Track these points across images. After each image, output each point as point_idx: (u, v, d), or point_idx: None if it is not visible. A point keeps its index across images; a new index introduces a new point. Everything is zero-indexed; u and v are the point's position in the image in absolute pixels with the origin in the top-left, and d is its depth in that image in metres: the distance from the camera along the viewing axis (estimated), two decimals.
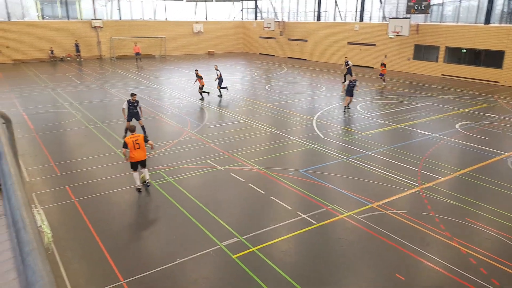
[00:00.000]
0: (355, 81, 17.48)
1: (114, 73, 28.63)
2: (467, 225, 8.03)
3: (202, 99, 19.47)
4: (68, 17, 36.24)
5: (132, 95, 12.89)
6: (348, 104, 17.48)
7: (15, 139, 4.50)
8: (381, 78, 23.86)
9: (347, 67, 23.39)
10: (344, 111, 17.23)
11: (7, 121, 3.95)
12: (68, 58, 35.56)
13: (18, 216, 1.42)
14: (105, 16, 38.43)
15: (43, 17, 36.60)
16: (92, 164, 11.17)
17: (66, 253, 6.98)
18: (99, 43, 36.95)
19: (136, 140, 9.19)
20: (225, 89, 20.80)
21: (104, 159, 11.51)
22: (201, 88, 19.39)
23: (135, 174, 9.40)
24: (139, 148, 9.19)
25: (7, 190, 1.70)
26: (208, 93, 19.86)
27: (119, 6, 38.35)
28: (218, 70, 20.16)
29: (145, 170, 9.57)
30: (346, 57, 25.36)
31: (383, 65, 23.88)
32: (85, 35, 36.25)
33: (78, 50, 35.44)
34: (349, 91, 17.22)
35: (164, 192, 9.33)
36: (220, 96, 20.39)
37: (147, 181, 9.57)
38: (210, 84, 21.39)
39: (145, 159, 9.44)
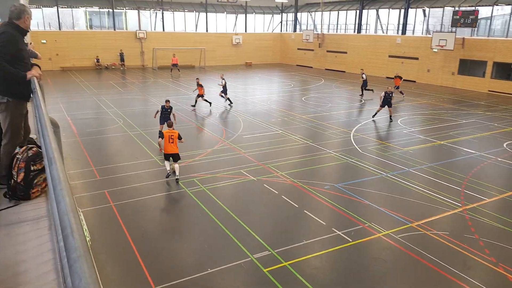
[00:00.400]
0: (391, 92, 17.71)
1: (156, 82, 29.56)
2: None
3: (193, 105, 19.84)
4: (114, 27, 37.93)
5: (166, 101, 13.76)
6: (391, 116, 17.84)
7: (61, 144, 4.74)
8: (397, 90, 23.21)
9: (363, 79, 23.74)
10: (374, 118, 18.00)
11: (56, 127, 4.16)
12: (113, 67, 37.11)
13: (67, 221, 1.44)
14: (149, 28, 39.92)
15: (91, 27, 38.52)
16: (131, 169, 11.48)
17: (101, 256, 7.15)
18: (142, 53, 38.36)
19: (171, 135, 10.38)
20: (228, 100, 20.66)
21: (142, 165, 11.81)
22: (200, 96, 19.68)
23: (166, 162, 10.62)
24: (172, 142, 10.35)
25: (56, 195, 1.73)
26: (210, 103, 19.95)
27: (162, 18, 39.73)
28: (223, 79, 20.54)
29: (177, 166, 10.56)
30: (362, 69, 25.24)
31: (399, 77, 24.00)
32: (130, 45, 37.77)
33: (122, 59, 36.94)
34: (386, 102, 17.53)
35: (198, 200, 9.41)
36: (230, 103, 20.61)
37: (176, 177, 10.42)
38: (235, 95, 21.54)
39: (177, 154, 10.54)
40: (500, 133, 16.05)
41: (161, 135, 10.58)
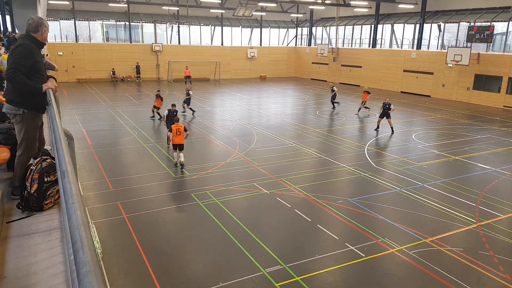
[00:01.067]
0: (389, 104, 18.08)
1: (170, 94, 29.97)
2: None
3: (153, 117, 20.30)
4: (130, 40, 38.78)
5: (172, 105, 15.72)
6: (391, 127, 18.21)
7: (75, 156, 4.78)
8: (363, 105, 22.96)
9: (332, 93, 24.45)
10: (376, 130, 18.46)
11: (70, 139, 4.17)
12: (128, 79, 37.84)
13: (77, 236, 1.43)
14: (165, 41, 40.70)
15: (107, 39, 39.43)
16: (144, 181, 11.61)
17: (112, 268, 7.20)
18: (158, 66, 39.07)
19: (178, 128, 12.47)
20: (191, 110, 21.40)
21: (155, 177, 11.93)
22: (156, 108, 20.07)
23: (175, 153, 12.74)
24: (179, 134, 12.46)
25: (68, 209, 1.74)
26: (193, 111, 21.13)
27: (178, 32, 40.50)
28: (189, 90, 21.57)
29: (182, 154, 12.52)
30: (332, 82, 26.11)
31: (367, 92, 23.16)
32: (146, 58, 38.53)
33: (138, 72, 37.67)
34: (384, 114, 18.03)
35: (210, 213, 9.46)
36: (185, 112, 21.37)
37: (182, 163, 12.43)
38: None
39: (182, 144, 12.54)
40: None
41: (168, 126, 13.89)
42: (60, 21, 36.12)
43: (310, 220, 9.18)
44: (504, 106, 26.23)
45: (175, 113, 15.06)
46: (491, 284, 6.85)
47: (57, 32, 36.16)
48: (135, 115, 21.29)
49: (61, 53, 34.69)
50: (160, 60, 39.04)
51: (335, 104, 24.91)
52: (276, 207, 9.92)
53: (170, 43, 40.67)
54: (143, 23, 39.71)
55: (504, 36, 27.94)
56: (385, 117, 18.01)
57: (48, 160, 3.45)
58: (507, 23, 27.07)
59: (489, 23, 26.96)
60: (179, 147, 12.58)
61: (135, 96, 28.35)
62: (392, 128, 18.11)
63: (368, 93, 23.53)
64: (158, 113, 20.02)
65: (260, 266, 7.24)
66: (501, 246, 8.15)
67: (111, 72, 37.02)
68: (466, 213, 9.69)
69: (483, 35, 26.22)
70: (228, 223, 8.94)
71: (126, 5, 35.96)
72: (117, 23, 38.56)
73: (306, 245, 8.11)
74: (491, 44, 27.38)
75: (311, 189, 11.12)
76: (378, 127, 18.52)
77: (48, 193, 3.37)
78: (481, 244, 8.21)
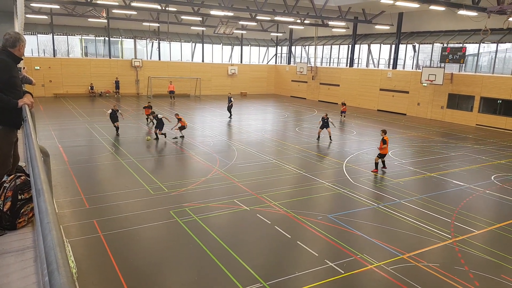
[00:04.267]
0: (327, 118, 20.23)
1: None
2: (503, 283, 7.52)
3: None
4: (110, 55, 38.53)
5: (115, 106, 19.73)
6: (330, 136, 20.37)
7: (51, 173, 4.64)
8: (341, 115, 27.71)
9: (230, 103, 26.70)
10: (318, 139, 20.34)
11: (46, 156, 4.04)
12: (107, 94, 37.44)
13: (53, 256, 1.39)
14: (145, 56, 40.63)
15: (86, 54, 39.03)
16: (121, 198, 11.38)
17: None
18: (137, 81, 38.85)
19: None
20: (163, 135, 19.33)
21: (133, 194, 11.74)
22: (148, 116, 22.44)
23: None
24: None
25: (43, 229, 1.70)
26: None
27: (159, 48, 40.52)
28: (156, 115, 19.93)
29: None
30: (230, 93, 28.05)
31: (344, 104, 27.75)
32: (125, 73, 38.30)
33: (117, 87, 37.33)
34: (325, 125, 20.27)
35: (189, 231, 9.33)
36: (157, 139, 19.26)
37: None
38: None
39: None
40: (488, 166, 16.31)
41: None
42: (38, 35, 35.66)
43: (290, 236, 9.18)
44: (477, 124, 27.20)
45: (116, 111, 19.82)
46: None
47: (34, 46, 35.61)
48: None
49: (38, 68, 34.12)
50: (139, 75, 38.88)
51: (231, 111, 27.11)
52: (256, 224, 9.89)
53: (150, 58, 40.62)
54: (123, 39, 39.58)
55: (476, 57, 29.17)
56: (325, 128, 20.28)
57: (22, 177, 3.37)
58: (478, 44, 28.30)
59: (461, 45, 28.14)
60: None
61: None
62: (330, 137, 20.35)
63: (344, 104, 27.48)
64: (152, 120, 21.90)
65: (240, 285, 7.16)
66: (476, 261, 8.34)
67: (89, 87, 36.56)
68: (442, 229, 9.90)
69: (456, 56, 27.31)
70: (207, 241, 8.83)
71: (106, 21, 35.85)
72: (96, 38, 38.29)
73: (286, 262, 8.09)
74: (464, 64, 28.53)
75: (291, 205, 11.15)
76: (319, 137, 20.59)
77: (22, 211, 3.27)
78: (456, 259, 8.38)
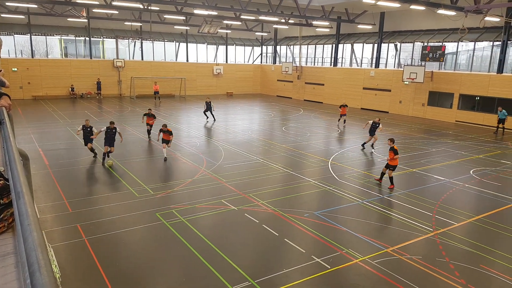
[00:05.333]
0: (379, 123, 18.47)
1: (133, 111, 29.57)
2: (482, 273, 7.87)
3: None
4: (91, 56, 38.01)
5: (111, 123, 15.29)
6: (372, 144, 18.76)
7: (31, 177, 4.58)
8: (340, 119, 25.17)
9: (207, 104, 25.72)
10: (363, 147, 18.67)
11: (25, 159, 3.97)
12: (88, 96, 36.92)
13: (34, 257, 1.35)
14: (128, 56, 40.22)
15: (66, 55, 38.35)
16: (105, 202, 11.31)
17: None
18: (120, 82, 38.47)
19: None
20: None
21: (117, 197, 11.67)
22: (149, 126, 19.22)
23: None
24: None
25: (24, 231, 1.65)
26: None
27: (141, 47, 40.18)
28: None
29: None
30: (208, 97, 27.53)
31: (344, 106, 24.80)
32: (107, 73, 37.86)
33: (99, 88, 36.84)
34: (372, 131, 18.38)
35: (177, 232, 9.34)
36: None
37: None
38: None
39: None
40: (467, 161, 16.83)
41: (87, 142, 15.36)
42: (15, 35, 34.81)
43: (277, 234, 9.35)
44: (456, 120, 27.93)
45: (114, 131, 15.19)
46: None
47: (11, 47, 34.72)
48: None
49: (16, 69, 33.42)
50: (122, 76, 38.49)
51: (208, 115, 26.07)
52: (244, 223, 10.02)
53: (133, 58, 40.27)
54: (104, 39, 39.11)
55: (455, 56, 29.92)
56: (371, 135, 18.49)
57: (1, 182, 3.33)
58: (456, 43, 29.04)
59: (441, 43, 28.82)
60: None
61: (95, 113, 27.61)
62: (372, 145, 18.73)
63: (344, 106, 24.85)
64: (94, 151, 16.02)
65: (228, 284, 7.26)
66: (456, 252, 8.67)
67: (70, 89, 35.97)
68: (424, 222, 10.23)
69: (436, 55, 27.98)
70: (195, 242, 8.87)
71: (86, 20, 35.36)
72: (76, 38, 37.70)
73: (274, 259, 8.25)
74: (443, 63, 29.24)
75: (278, 203, 11.33)
76: (372, 145, 18.80)
77: (1, 216, 3.16)
78: (438, 251, 8.70)
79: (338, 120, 25.55)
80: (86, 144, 15.69)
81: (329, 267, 7.91)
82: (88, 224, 9.67)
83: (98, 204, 11.11)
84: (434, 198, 12.13)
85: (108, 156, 15.25)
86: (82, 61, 37.36)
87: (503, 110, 23.36)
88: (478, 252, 8.70)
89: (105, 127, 15.32)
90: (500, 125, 23.63)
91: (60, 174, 13.53)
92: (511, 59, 26.54)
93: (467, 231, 9.93)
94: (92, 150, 15.65)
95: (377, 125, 18.46)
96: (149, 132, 19.49)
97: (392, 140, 13.32)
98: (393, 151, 12.86)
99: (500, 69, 25.91)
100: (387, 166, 13.12)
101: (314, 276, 7.62)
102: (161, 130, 15.93)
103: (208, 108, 25.77)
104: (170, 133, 15.77)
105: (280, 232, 9.45)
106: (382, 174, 13.37)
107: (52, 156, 15.85)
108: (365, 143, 18.74)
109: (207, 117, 26.14)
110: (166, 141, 15.82)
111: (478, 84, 26.67)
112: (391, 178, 12.98)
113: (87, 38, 37.57)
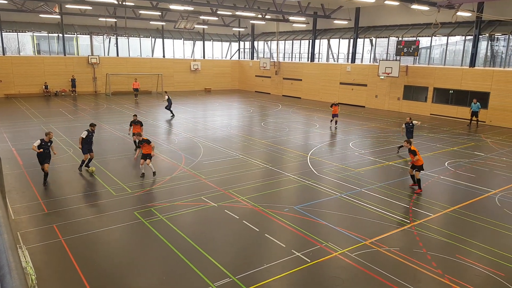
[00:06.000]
0: (411, 122, 17.14)
1: (109, 108, 28.99)
2: (458, 262, 8.09)
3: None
4: (64, 52, 37.02)
5: (92, 125, 13.78)
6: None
7: (2, 177, 4.38)
8: (332, 120, 22.76)
9: (166, 100, 25.71)
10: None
11: None
12: (63, 93, 36.00)
13: (4, 260, 1.34)
14: (102, 53, 39.34)
15: (39, 52, 37.27)
16: (82, 201, 11.08)
17: None
18: (95, 79, 37.63)
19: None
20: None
21: (94, 196, 11.47)
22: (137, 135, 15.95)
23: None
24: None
25: None
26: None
27: (116, 43, 39.37)
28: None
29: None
30: (166, 91, 27.90)
31: (335, 105, 22.41)
32: (81, 70, 36.99)
33: (74, 85, 35.98)
34: (410, 133, 17.04)
35: (155, 231, 9.22)
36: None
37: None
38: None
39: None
40: (442, 153, 17.27)
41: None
42: None
43: (258, 230, 9.35)
44: (431, 114, 28.61)
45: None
46: (425, 279, 7.44)
47: None
48: (70, 131, 20.28)
49: None
50: (97, 73, 37.68)
51: (169, 111, 25.87)
52: (224, 220, 9.97)
53: (108, 55, 39.44)
54: (78, 35, 38.13)
55: (428, 50, 30.59)
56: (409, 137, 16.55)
57: None
58: (430, 38, 29.68)
59: (415, 38, 29.40)
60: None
61: (70, 111, 26.97)
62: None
63: (336, 104, 22.34)
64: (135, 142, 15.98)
65: (209, 281, 7.22)
66: (433, 243, 8.88)
67: (44, 87, 35.00)
68: (401, 214, 10.44)
69: (410, 49, 28.52)
70: (174, 240, 8.79)
71: (59, 16, 34.37)
72: (49, 34, 36.67)
73: (255, 255, 8.25)
74: (418, 57, 29.85)
75: (258, 199, 11.33)
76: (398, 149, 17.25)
77: None
78: (415, 242, 8.89)
79: (330, 121, 23.16)
80: (42, 164, 12.14)
81: (309, 260, 7.97)
82: (64, 224, 9.45)
83: (75, 203, 10.85)
84: (410, 190, 12.39)
85: (89, 163, 13.62)
86: (55, 58, 36.32)
87: (478, 103, 24.03)
88: (454, 243, 8.93)
89: (86, 131, 13.39)
90: (474, 118, 24.32)
91: (35, 174, 13.11)
92: (482, 53, 27.35)
93: (443, 222, 10.19)
94: (46, 175, 12.20)
95: (411, 124, 17.09)
96: (136, 143, 16.15)
97: (408, 142, 12.62)
98: (411, 152, 12.25)
99: (472, 63, 26.66)
100: (413, 167, 12.37)
101: (295, 270, 7.66)
102: (132, 123, 14.98)
103: (170, 103, 25.68)
104: (148, 142, 12.77)
105: (261, 228, 9.45)
106: (412, 176, 12.56)
107: (26, 155, 15.32)
108: (401, 146, 16.72)
109: (173, 114, 25.77)
110: (146, 156, 12.78)
111: (452, 77, 27.38)
112: (418, 181, 12.22)
113: (61, 35, 36.59)
